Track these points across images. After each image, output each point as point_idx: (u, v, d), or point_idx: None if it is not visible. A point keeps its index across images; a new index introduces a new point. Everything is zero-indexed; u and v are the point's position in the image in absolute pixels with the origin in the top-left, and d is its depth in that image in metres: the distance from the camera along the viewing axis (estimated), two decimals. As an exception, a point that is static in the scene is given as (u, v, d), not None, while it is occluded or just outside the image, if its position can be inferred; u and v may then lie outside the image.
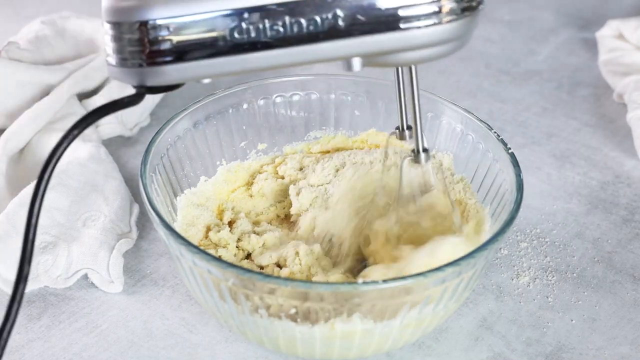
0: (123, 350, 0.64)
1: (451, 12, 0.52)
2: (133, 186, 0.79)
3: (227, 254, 0.67)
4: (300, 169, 0.74)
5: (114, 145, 0.86)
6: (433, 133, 0.74)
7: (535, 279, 0.71)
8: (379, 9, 0.51)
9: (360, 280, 0.61)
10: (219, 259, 0.56)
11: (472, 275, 0.59)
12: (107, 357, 0.64)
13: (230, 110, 0.74)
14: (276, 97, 0.76)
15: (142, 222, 0.76)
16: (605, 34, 1.03)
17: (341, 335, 0.57)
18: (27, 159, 0.81)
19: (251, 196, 0.74)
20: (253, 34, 0.50)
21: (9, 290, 0.68)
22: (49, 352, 0.64)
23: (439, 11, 0.51)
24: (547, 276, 0.72)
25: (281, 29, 0.51)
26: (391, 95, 0.75)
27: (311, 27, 0.51)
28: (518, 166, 0.65)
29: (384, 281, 0.54)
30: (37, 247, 0.69)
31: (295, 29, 0.51)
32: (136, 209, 0.76)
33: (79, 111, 0.86)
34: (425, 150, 0.62)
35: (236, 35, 0.50)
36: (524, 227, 0.77)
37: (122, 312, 0.67)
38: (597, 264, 0.73)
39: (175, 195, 0.69)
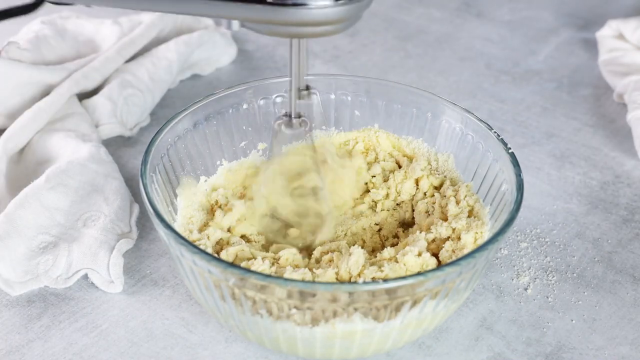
0: (123, 350, 0.64)
1: None
2: (133, 186, 0.79)
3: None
4: None
5: (114, 145, 0.86)
6: (433, 133, 0.74)
7: (535, 279, 0.71)
8: None
9: (360, 280, 0.61)
10: (219, 259, 0.56)
11: (472, 275, 0.59)
12: (107, 357, 0.64)
13: (230, 110, 0.74)
14: (276, 97, 0.76)
15: (142, 222, 0.76)
16: (605, 34, 1.03)
17: (342, 335, 0.57)
18: (27, 159, 0.81)
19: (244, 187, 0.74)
20: None
21: (9, 290, 0.68)
22: (49, 352, 0.64)
23: None
24: (547, 276, 0.72)
25: None
26: (391, 95, 0.75)
27: None
28: (518, 166, 0.65)
29: (385, 281, 0.54)
30: (38, 247, 0.69)
31: None
32: (136, 209, 0.76)
33: (79, 111, 0.86)
34: (298, 116, 0.64)
35: None
36: (524, 227, 0.77)
37: (122, 312, 0.67)
38: (597, 264, 0.73)
39: (176, 196, 0.69)
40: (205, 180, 0.73)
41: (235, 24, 0.56)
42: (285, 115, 0.65)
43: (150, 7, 0.57)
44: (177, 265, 0.60)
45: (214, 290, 0.58)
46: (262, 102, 0.75)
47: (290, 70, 0.62)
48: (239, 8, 0.54)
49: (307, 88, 0.64)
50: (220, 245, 0.67)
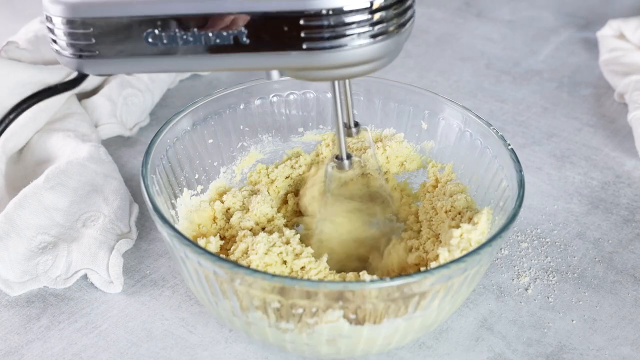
0: (123, 351, 0.64)
1: (359, 37, 0.52)
2: (133, 186, 0.79)
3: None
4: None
5: (114, 145, 0.86)
6: (432, 131, 0.74)
7: (535, 279, 0.71)
8: (282, 30, 0.53)
9: (367, 278, 0.61)
10: (225, 260, 0.55)
11: (476, 271, 0.59)
12: (107, 357, 0.64)
13: (230, 111, 0.74)
14: (273, 96, 0.75)
15: (142, 222, 0.76)
16: (606, 34, 1.03)
17: (347, 333, 0.57)
18: (26, 159, 0.81)
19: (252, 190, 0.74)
20: (165, 40, 0.55)
21: (8, 290, 0.68)
22: (49, 352, 0.64)
23: (343, 35, 0.52)
24: (547, 276, 0.72)
25: (190, 39, 0.54)
26: (390, 94, 0.75)
27: (218, 40, 0.54)
28: (518, 162, 0.64)
29: (391, 279, 0.54)
30: (37, 247, 0.69)
31: (203, 40, 0.54)
32: (135, 209, 0.76)
33: (79, 111, 0.85)
34: (348, 157, 0.64)
35: (150, 39, 0.55)
36: (525, 227, 0.77)
37: (121, 312, 0.67)
38: (598, 264, 0.73)
39: (176, 196, 0.69)
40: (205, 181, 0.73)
41: (275, 74, 0.56)
42: (337, 157, 0.64)
43: (187, 67, 0.57)
44: (180, 267, 0.60)
45: (219, 291, 0.57)
46: (259, 101, 0.75)
47: (336, 111, 0.61)
48: (274, 58, 0.54)
49: (357, 124, 0.64)
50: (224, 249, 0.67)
